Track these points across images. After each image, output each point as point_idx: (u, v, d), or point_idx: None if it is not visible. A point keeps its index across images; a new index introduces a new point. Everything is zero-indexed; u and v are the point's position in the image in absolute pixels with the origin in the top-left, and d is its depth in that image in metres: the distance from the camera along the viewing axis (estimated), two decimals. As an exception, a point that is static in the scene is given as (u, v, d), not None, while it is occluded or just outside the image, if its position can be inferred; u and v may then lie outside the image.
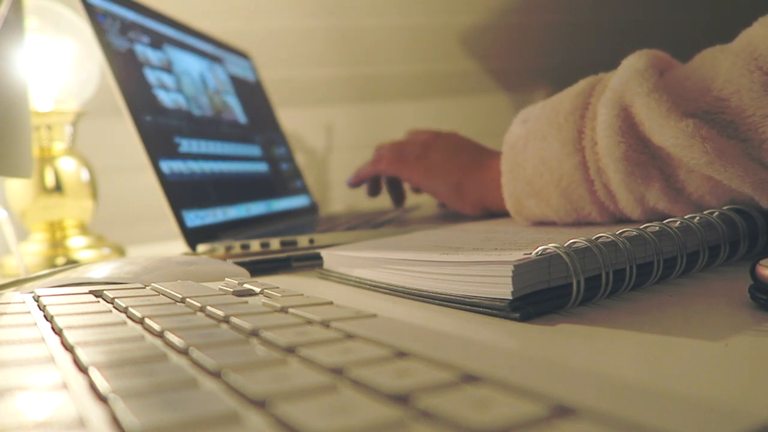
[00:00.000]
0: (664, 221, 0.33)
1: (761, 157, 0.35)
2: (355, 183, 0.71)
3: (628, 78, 0.39)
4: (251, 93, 0.84)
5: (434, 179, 0.60)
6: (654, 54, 0.41)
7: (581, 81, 0.46)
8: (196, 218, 0.55)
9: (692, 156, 0.36)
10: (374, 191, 0.72)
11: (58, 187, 0.63)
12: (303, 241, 0.51)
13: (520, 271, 0.27)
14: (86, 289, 0.32)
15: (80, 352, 0.19)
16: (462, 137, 0.63)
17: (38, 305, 0.29)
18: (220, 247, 0.52)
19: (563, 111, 0.43)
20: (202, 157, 0.62)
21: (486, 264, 0.28)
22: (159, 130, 0.56)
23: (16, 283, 0.40)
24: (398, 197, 0.73)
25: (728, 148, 0.35)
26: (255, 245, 0.51)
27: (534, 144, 0.45)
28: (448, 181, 0.59)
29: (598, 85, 0.44)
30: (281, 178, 0.81)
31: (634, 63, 0.40)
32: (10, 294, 0.34)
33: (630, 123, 0.39)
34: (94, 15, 0.54)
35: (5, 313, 0.27)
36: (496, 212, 0.56)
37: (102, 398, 0.16)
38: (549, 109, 0.45)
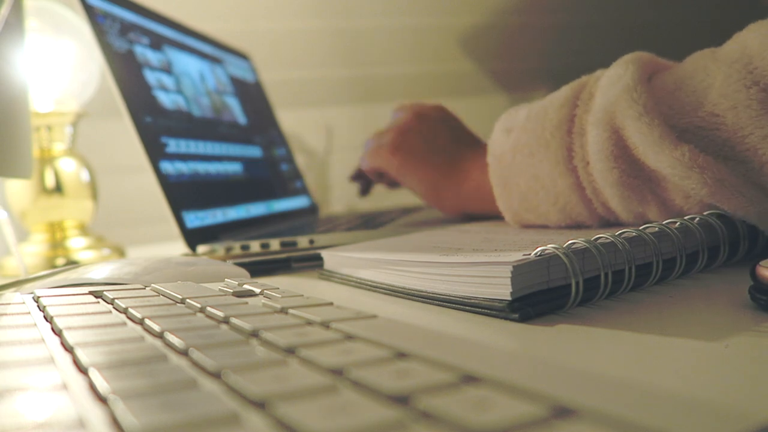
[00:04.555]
0: (664, 222, 0.33)
1: (762, 182, 0.33)
2: (354, 177, 0.72)
3: (617, 97, 0.37)
4: (251, 94, 0.84)
5: (411, 176, 0.58)
6: (641, 60, 0.39)
7: (564, 87, 0.43)
8: (196, 219, 0.55)
9: (692, 186, 0.34)
10: (364, 190, 0.72)
11: (58, 188, 0.63)
12: (303, 241, 0.51)
13: (519, 271, 0.27)
14: (86, 289, 0.32)
15: (80, 353, 0.19)
16: (444, 116, 0.60)
17: (38, 306, 0.29)
18: (220, 248, 0.52)
19: (549, 125, 0.42)
20: (202, 158, 0.62)
21: (485, 265, 0.28)
22: (159, 131, 0.56)
23: (16, 284, 0.40)
24: (366, 188, 0.72)
25: (728, 177, 0.33)
26: (255, 246, 0.51)
27: (522, 159, 0.43)
28: (425, 181, 0.57)
29: (582, 93, 0.42)
30: (281, 179, 0.81)
31: (621, 76, 0.38)
32: (10, 295, 0.34)
33: (622, 146, 0.37)
34: (93, 16, 0.54)
35: (5, 314, 0.27)
36: (476, 214, 0.55)
37: (102, 399, 0.16)
38: (533, 120, 0.43)
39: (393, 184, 0.67)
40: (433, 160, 0.57)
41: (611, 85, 0.39)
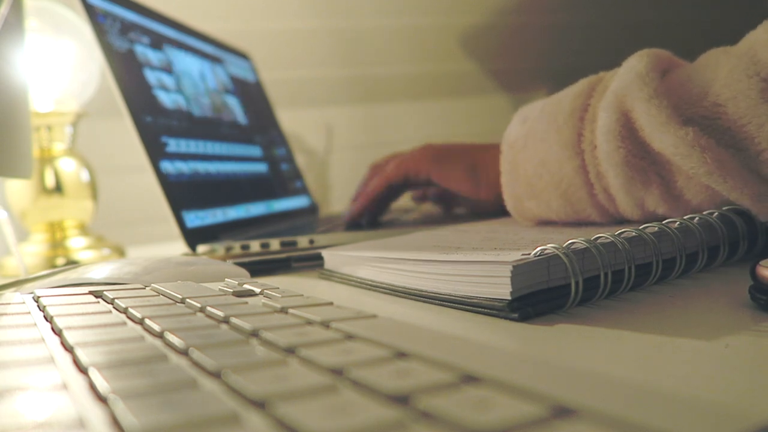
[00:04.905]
0: (664, 222, 0.33)
1: (759, 169, 0.35)
2: (360, 209, 0.61)
3: (629, 82, 0.39)
4: (251, 93, 0.84)
5: (446, 163, 0.56)
6: (656, 54, 0.41)
7: (581, 80, 0.45)
8: (196, 219, 0.55)
9: (691, 165, 0.35)
10: (368, 214, 0.62)
11: (58, 188, 0.63)
12: (303, 241, 0.51)
13: (519, 271, 0.27)
14: (86, 289, 0.32)
15: (80, 353, 0.19)
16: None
17: (38, 306, 0.29)
18: (220, 247, 0.52)
19: (562, 112, 0.43)
20: (202, 158, 0.62)
21: (485, 264, 0.28)
22: (159, 130, 0.56)
23: (16, 284, 0.40)
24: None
25: (727, 159, 0.35)
26: (255, 246, 0.51)
27: (533, 145, 0.44)
28: (462, 162, 0.55)
29: (598, 85, 0.43)
30: (281, 178, 0.81)
31: (635, 65, 0.40)
32: (10, 294, 0.34)
33: (630, 128, 0.39)
34: (94, 15, 0.54)
35: (5, 314, 0.27)
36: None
37: (102, 399, 0.16)
38: (548, 109, 0.45)
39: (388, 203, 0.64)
40: (467, 146, 0.57)
41: (625, 73, 0.40)
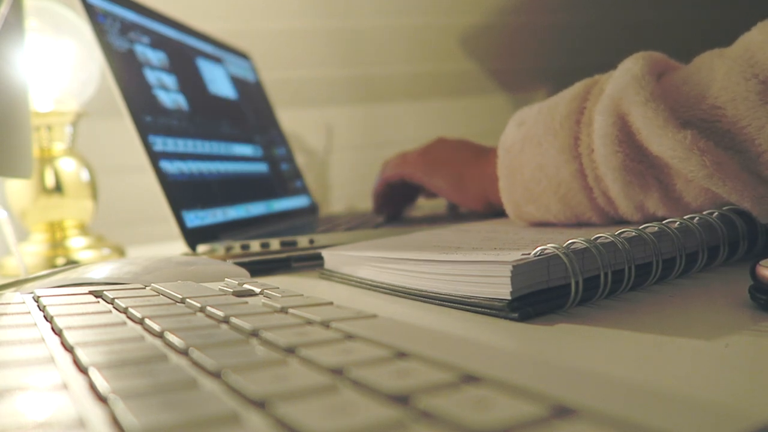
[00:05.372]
0: (664, 221, 0.33)
1: (759, 171, 0.35)
2: (377, 207, 0.68)
3: (625, 85, 0.39)
4: (251, 93, 0.84)
5: (435, 174, 0.60)
6: (651, 57, 0.40)
7: (577, 84, 0.45)
8: (196, 219, 0.55)
9: (690, 168, 0.35)
10: (384, 208, 0.69)
11: (58, 188, 0.63)
12: (303, 241, 0.51)
13: (519, 271, 0.27)
14: (86, 289, 0.32)
15: (80, 353, 0.19)
16: (466, 139, 0.63)
17: (38, 306, 0.29)
18: (220, 247, 0.52)
19: (558, 116, 0.43)
20: (201, 158, 0.62)
21: (485, 264, 0.28)
22: (159, 130, 0.56)
23: (16, 284, 0.40)
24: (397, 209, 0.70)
25: (726, 161, 0.34)
26: (255, 246, 0.51)
27: (530, 149, 0.44)
28: (449, 174, 0.58)
29: (594, 87, 0.43)
30: (281, 178, 0.81)
31: (631, 68, 0.39)
32: (10, 294, 0.34)
33: (627, 131, 0.38)
34: (94, 15, 0.54)
35: (5, 314, 0.27)
36: (499, 206, 0.55)
37: (102, 399, 0.16)
38: (545, 113, 0.44)
39: (410, 198, 0.69)
40: (458, 156, 0.59)
41: (620, 76, 0.40)
